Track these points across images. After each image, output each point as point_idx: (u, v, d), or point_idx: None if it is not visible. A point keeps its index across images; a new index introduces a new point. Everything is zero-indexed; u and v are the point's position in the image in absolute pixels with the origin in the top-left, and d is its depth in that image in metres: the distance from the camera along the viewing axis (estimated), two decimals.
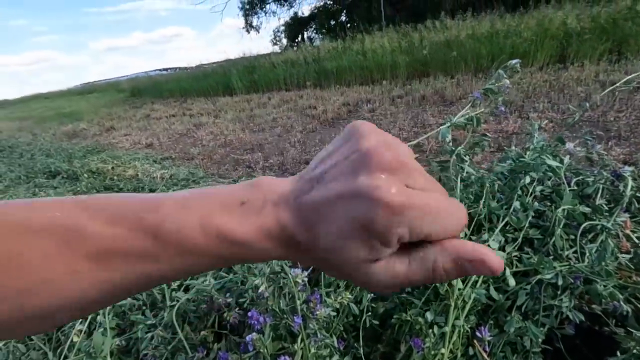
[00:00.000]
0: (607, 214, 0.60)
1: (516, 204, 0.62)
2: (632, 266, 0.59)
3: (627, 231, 0.59)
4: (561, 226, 0.57)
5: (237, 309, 0.58)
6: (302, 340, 0.45)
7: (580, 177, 0.69)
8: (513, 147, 0.91)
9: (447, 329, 0.51)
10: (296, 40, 12.83)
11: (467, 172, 0.73)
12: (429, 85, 4.85)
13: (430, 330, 0.50)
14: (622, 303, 0.47)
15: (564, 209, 0.59)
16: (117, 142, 4.70)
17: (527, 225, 0.59)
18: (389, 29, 7.42)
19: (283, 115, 4.73)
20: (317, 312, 0.46)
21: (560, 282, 0.50)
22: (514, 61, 0.85)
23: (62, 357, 0.70)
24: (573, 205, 0.58)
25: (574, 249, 0.56)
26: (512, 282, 0.53)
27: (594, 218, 0.60)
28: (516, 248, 0.58)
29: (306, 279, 0.52)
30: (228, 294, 0.56)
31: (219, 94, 8.06)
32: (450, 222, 0.18)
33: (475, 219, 0.64)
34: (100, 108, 10.08)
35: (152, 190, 2.26)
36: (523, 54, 4.83)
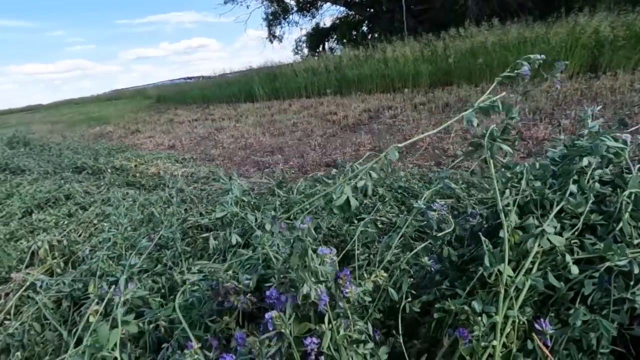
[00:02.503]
0: None
1: (572, 187, 0.55)
2: None
3: None
4: (629, 211, 0.50)
5: (256, 293, 0.54)
6: (330, 321, 0.40)
7: None
8: (562, 136, 0.85)
9: (499, 318, 0.44)
10: (317, 50, 12.97)
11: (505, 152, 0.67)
12: (453, 93, 4.75)
13: (480, 319, 0.44)
14: None
15: (631, 193, 0.52)
16: (141, 143, 4.81)
17: (587, 210, 0.53)
18: (410, 39, 7.38)
19: (303, 120, 4.73)
20: (347, 291, 0.40)
21: (635, 271, 0.43)
22: (538, 56, 0.80)
23: (76, 337, 0.67)
24: None
25: None
26: (574, 270, 0.46)
27: None
28: (576, 234, 0.51)
29: (335, 259, 0.47)
30: (246, 275, 0.51)
31: (241, 101, 8.20)
32: None
33: (521, 205, 0.58)
34: (127, 113, 10.43)
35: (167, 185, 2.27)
36: (552, 63, 4.68)
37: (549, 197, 0.57)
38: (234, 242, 0.69)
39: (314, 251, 0.48)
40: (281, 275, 0.43)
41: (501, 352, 0.43)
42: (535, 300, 0.48)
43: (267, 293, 0.47)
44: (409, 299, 0.49)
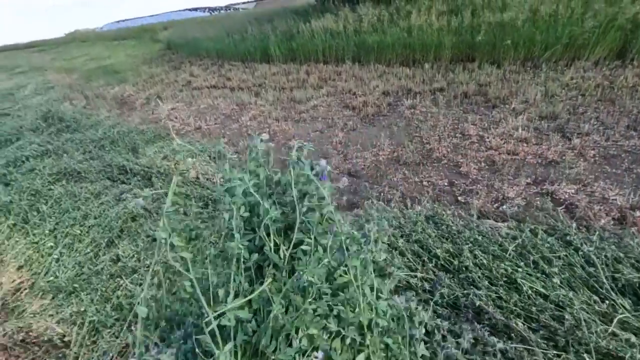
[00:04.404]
0: None
1: None
2: None
3: None
4: None
5: None
6: None
7: None
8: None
9: None
10: None
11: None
12: (473, 76, 4.72)
13: None
14: None
15: None
16: (169, 119, 5.04)
17: None
18: None
19: (323, 102, 4.84)
20: None
21: None
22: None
23: None
24: None
25: None
26: None
27: None
28: None
29: None
30: None
31: (257, 60, 8.07)
32: None
33: None
34: (140, 65, 10.34)
35: (214, 201, 2.61)
36: (580, 46, 4.55)
37: None
38: None
39: None
40: None
41: None
42: None
43: None
44: None
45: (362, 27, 6.55)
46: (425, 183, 2.74)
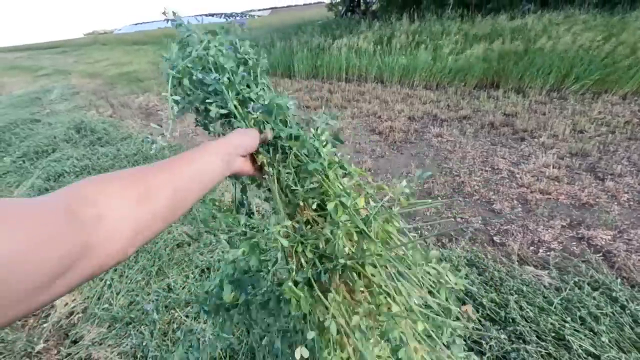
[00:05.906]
0: None
1: None
2: None
3: None
4: None
5: None
6: None
7: None
8: None
9: None
10: (356, 9, 12.19)
11: None
12: (498, 105, 4.76)
13: None
14: None
15: None
16: (195, 134, 5.17)
17: None
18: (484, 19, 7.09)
19: (348, 123, 4.92)
20: None
21: None
22: None
23: None
24: None
25: None
26: None
27: None
28: None
29: None
30: None
31: (279, 74, 8.21)
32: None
33: None
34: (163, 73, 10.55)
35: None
36: (610, 82, 4.58)
37: None
38: None
39: None
40: None
41: None
42: None
43: None
44: None
45: (392, 49, 6.65)
46: (459, 219, 2.79)
